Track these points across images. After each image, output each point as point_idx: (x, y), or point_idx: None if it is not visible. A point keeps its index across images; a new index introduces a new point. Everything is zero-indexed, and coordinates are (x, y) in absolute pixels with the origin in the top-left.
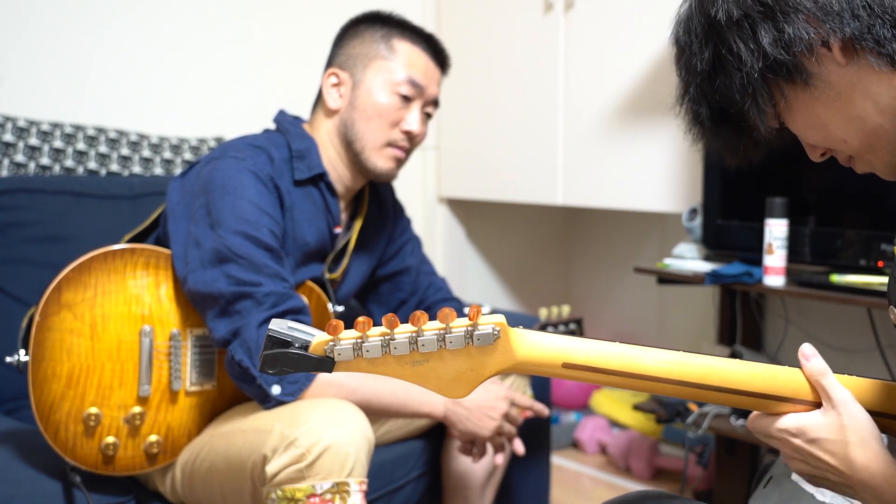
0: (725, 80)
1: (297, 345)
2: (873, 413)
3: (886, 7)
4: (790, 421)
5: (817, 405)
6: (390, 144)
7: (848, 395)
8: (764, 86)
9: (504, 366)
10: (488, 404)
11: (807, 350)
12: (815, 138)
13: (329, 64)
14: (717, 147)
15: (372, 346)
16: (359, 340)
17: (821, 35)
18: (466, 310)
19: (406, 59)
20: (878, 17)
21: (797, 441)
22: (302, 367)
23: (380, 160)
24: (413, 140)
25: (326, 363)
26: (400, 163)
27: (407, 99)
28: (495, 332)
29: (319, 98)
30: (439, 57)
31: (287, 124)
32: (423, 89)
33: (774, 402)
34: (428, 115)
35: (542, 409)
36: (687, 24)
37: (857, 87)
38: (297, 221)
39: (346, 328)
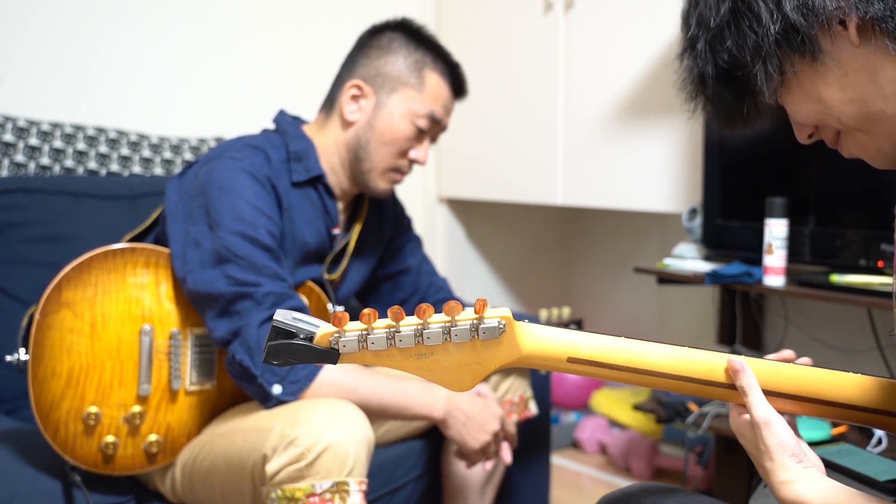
0: (739, 39)
1: (301, 336)
2: (873, 411)
3: None
4: (733, 423)
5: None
6: (395, 170)
7: (765, 417)
8: (776, 52)
9: (509, 359)
10: (485, 419)
11: (735, 365)
12: (806, 113)
13: (351, 70)
14: (713, 110)
15: (377, 339)
16: (364, 332)
17: (842, 10)
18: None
19: (433, 93)
20: None
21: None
22: (306, 359)
23: (381, 182)
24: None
25: (331, 354)
26: (396, 183)
27: (422, 131)
28: (501, 326)
29: (332, 102)
30: (459, 89)
31: (286, 125)
32: (440, 122)
33: (775, 399)
34: (433, 140)
35: (528, 413)
36: None
37: (867, 69)
38: (296, 222)
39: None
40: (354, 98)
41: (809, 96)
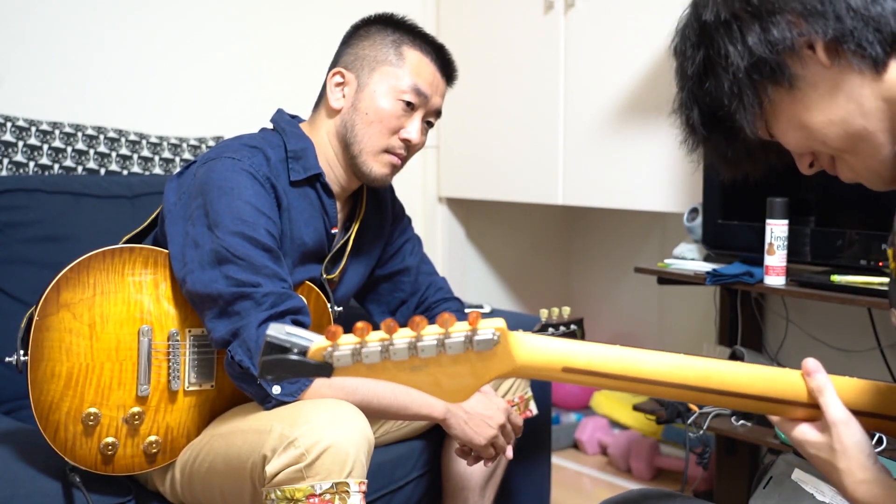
0: (715, 81)
1: (295, 350)
2: (872, 415)
3: (871, 13)
4: (796, 433)
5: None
6: (387, 151)
7: (843, 416)
8: (750, 85)
9: (504, 370)
10: (488, 413)
11: (810, 365)
12: (795, 141)
13: (335, 63)
14: (711, 157)
15: (371, 352)
16: (358, 346)
17: (804, 36)
18: (468, 310)
19: (414, 67)
20: (861, 20)
21: (801, 451)
22: (301, 373)
23: (375, 165)
24: (410, 149)
25: (325, 368)
26: (395, 169)
27: (410, 107)
28: (495, 337)
29: (322, 96)
30: (447, 69)
31: (284, 124)
32: (428, 99)
33: (776, 405)
34: (429, 125)
35: (529, 413)
36: (683, 31)
37: (842, 88)
38: (295, 222)
39: (345, 332)
40: (338, 86)
41: (793, 124)
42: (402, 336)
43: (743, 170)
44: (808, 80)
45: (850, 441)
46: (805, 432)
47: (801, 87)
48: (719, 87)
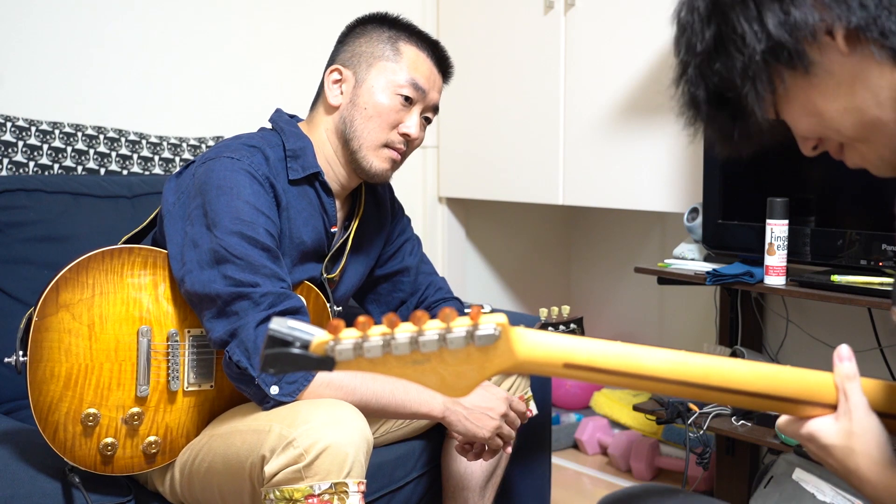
0: (726, 61)
1: (297, 344)
2: (883, 415)
3: (894, 1)
4: (807, 428)
5: (826, 407)
6: (387, 145)
7: (863, 402)
8: (765, 70)
9: (505, 365)
10: (488, 405)
11: (843, 352)
12: (807, 126)
13: (332, 61)
14: (711, 133)
15: (373, 346)
16: (359, 340)
17: (826, 22)
18: (468, 310)
19: (410, 62)
20: (885, 9)
21: (812, 446)
22: (302, 367)
23: (375, 160)
24: (410, 144)
25: (327, 362)
26: (395, 164)
27: (408, 101)
28: (496, 332)
29: (320, 94)
30: (443, 64)
31: (282, 123)
32: (425, 93)
33: (778, 403)
34: (427, 120)
35: (529, 413)
36: (690, 2)
37: (859, 77)
38: (294, 221)
39: (346, 327)
40: (336, 83)
41: (807, 110)
42: (404, 330)
43: (742, 150)
44: (825, 67)
45: (869, 424)
46: (818, 423)
47: (817, 74)
48: (731, 67)
